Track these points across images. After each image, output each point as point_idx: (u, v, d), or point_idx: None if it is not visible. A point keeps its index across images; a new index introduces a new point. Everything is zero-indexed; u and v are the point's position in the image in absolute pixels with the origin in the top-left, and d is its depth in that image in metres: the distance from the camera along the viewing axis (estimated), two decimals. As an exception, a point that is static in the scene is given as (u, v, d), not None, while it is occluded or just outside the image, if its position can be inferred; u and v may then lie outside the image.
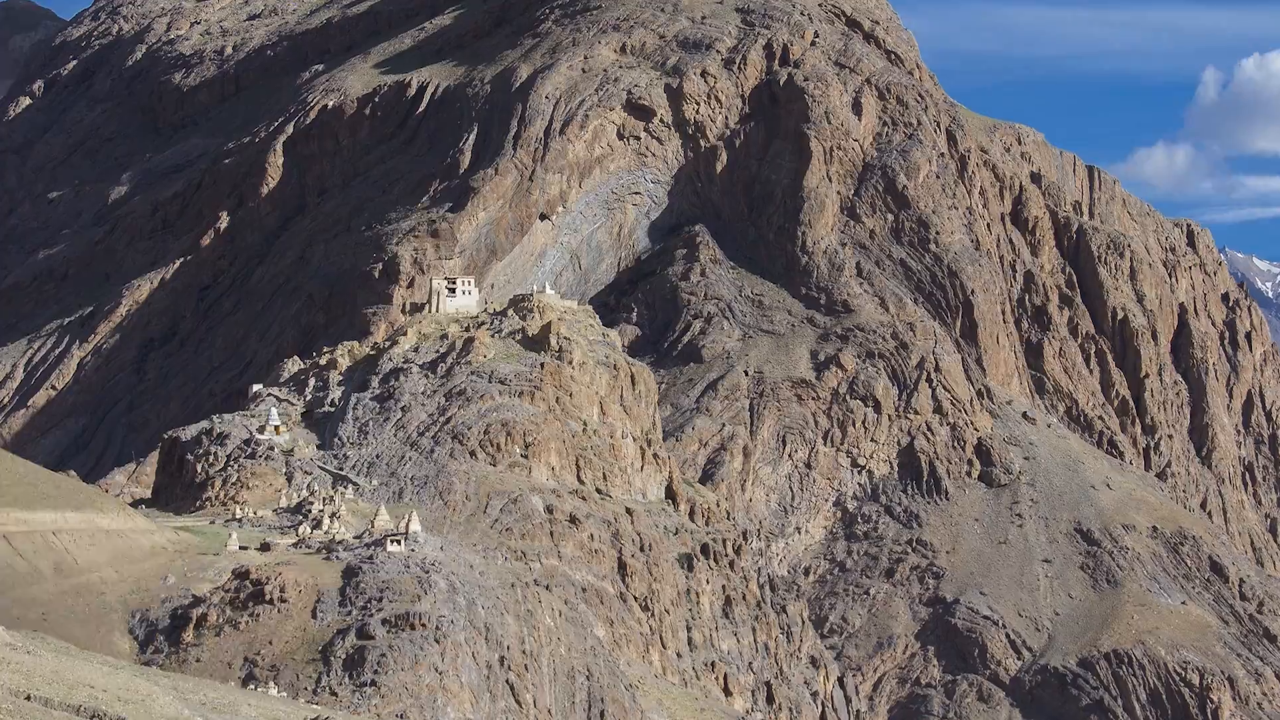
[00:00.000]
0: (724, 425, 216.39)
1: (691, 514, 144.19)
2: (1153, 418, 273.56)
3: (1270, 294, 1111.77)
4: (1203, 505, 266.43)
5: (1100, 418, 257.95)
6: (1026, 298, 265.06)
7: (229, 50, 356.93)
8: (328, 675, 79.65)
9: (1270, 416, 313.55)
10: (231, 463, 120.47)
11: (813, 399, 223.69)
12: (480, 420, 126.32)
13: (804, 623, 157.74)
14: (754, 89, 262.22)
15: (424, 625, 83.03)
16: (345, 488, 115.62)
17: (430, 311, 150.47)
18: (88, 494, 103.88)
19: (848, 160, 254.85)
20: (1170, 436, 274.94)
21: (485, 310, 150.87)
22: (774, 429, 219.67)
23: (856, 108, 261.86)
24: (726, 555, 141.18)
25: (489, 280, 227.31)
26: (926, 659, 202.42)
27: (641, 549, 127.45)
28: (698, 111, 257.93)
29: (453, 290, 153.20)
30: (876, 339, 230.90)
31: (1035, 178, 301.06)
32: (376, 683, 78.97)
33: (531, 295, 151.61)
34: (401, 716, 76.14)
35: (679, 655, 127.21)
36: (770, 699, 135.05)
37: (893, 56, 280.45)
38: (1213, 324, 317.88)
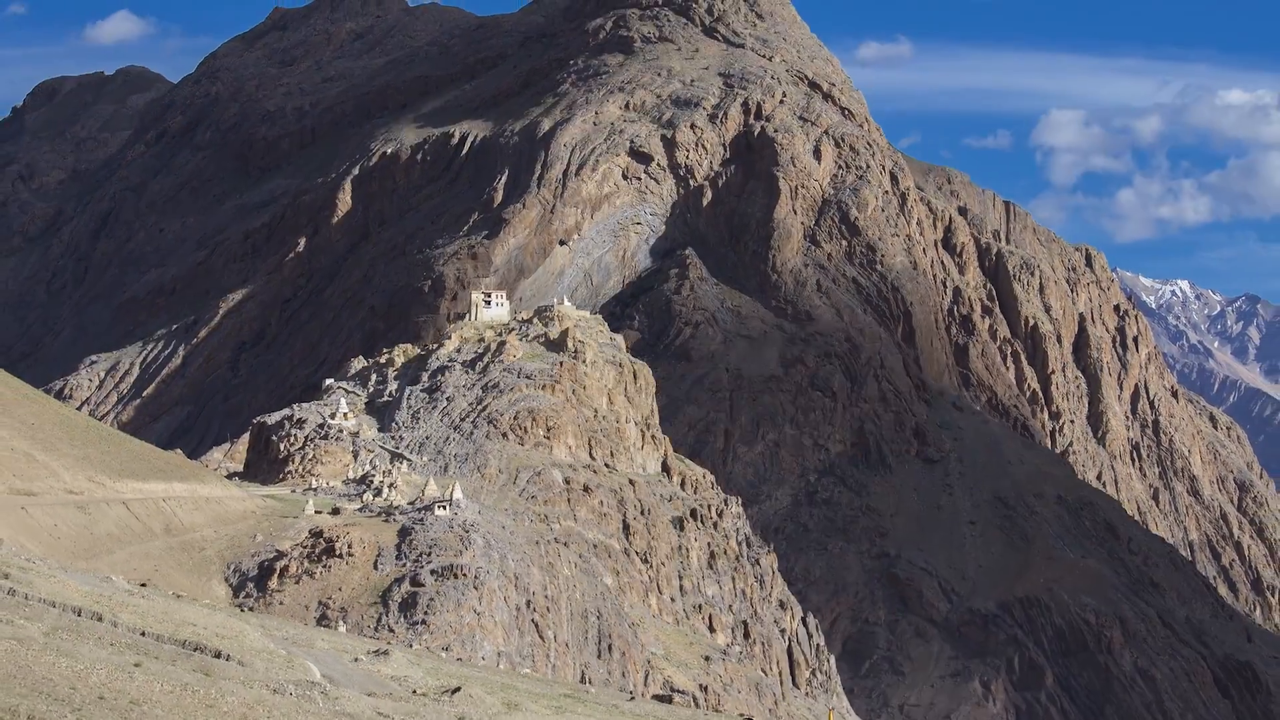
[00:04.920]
0: (709, 412, 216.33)
1: (683, 484, 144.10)
2: (1058, 406, 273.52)
3: (1153, 305, 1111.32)
4: (1098, 478, 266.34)
5: (1015, 406, 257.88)
6: (955, 308, 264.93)
7: (307, 107, 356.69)
8: (387, 616, 79.63)
9: (1153, 405, 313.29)
10: (308, 443, 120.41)
11: (781, 391, 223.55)
12: (511, 408, 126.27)
13: (774, 573, 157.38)
14: (733, 139, 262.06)
15: (465, 575, 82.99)
16: (401, 463, 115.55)
17: (470, 320, 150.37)
18: (191, 468, 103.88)
19: (809, 197, 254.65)
20: (1072, 422, 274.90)
21: (515, 319, 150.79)
22: (750, 415, 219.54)
23: (817, 154, 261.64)
24: (711, 518, 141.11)
25: (518, 294, 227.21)
26: (874, 602, 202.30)
27: (642, 513, 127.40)
28: (688, 157, 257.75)
29: (488, 303, 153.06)
30: (833, 342, 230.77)
31: (962, 211, 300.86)
32: (426, 621, 78.94)
33: (552, 306, 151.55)
34: (447, 649, 76.15)
35: (672, 599, 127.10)
36: (747, 635, 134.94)
37: (846, 112, 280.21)
38: (1106, 330, 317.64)
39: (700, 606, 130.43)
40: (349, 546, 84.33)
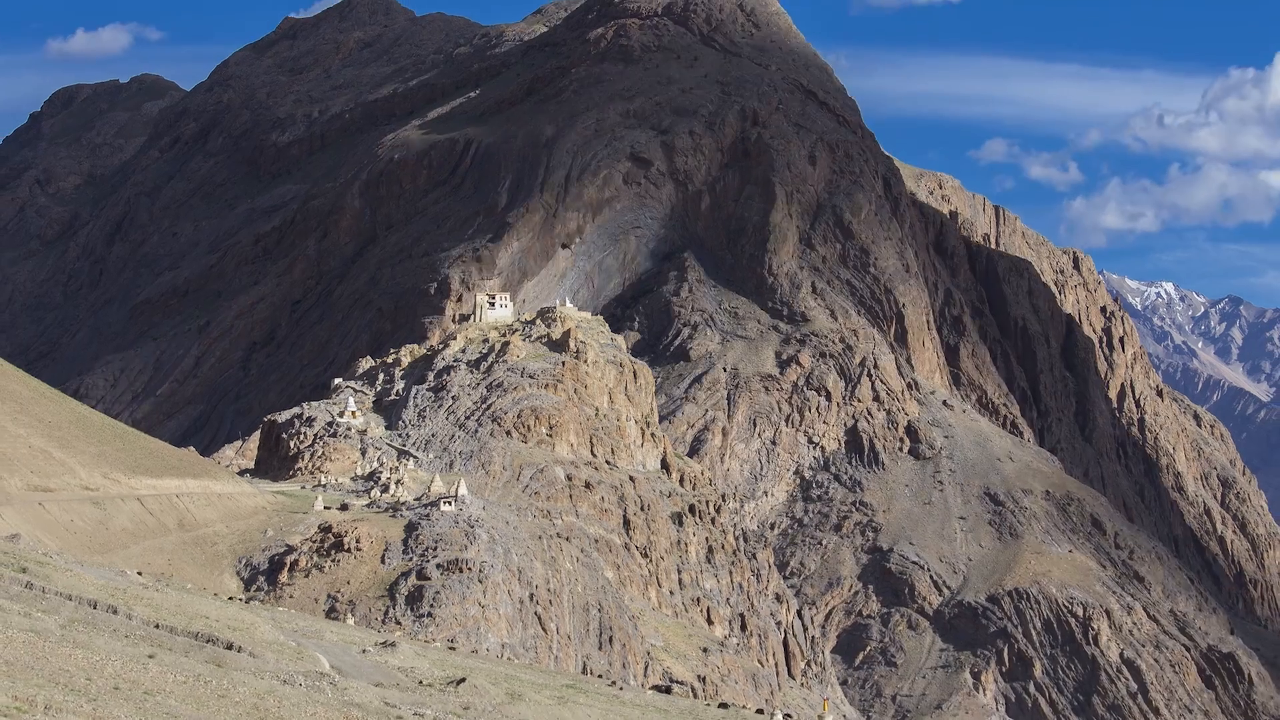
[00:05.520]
0: (707, 411, 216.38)
1: (681, 481, 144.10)
2: (1046, 404, 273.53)
3: (1139, 306, 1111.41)
4: (1085, 474, 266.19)
5: (1004, 404, 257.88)
6: (946, 310, 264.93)
7: (316, 114, 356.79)
8: (394, 608, 79.70)
9: (1139, 404, 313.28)
10: (317, 440, 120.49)
11: (777, 390, 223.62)
12: (514, 407, 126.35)
13: (770, 567, 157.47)
14: (731, 144, 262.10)
15: (470, 569, 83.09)
16: (407, 460, 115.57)
17: (475, 321, 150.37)
18: (204, 465, 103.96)
19: (805, 201, 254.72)
20: (1060, 420, 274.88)
21: (518, 320, 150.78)
22: (747, 414, 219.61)
23: (812, 160, 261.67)
24: (709, 513, 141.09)
25: (521, 296, 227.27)
26: (867, 595, 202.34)
27: (642, 508, 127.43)
28: (686, 162, 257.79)
29: (493, 304, 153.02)
30: (827, 342, 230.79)
31: (953, 215, 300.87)
32: (432, 614, 79.01)
33: (555, 308, 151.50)
34: (452, 640, 76.17)
35: (671, 592, 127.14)
36: (744, 627, 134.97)
37: (840, 119, 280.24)
38: (1093, 331, 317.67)
39: (698, 600, 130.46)
40: (357, 541, 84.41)
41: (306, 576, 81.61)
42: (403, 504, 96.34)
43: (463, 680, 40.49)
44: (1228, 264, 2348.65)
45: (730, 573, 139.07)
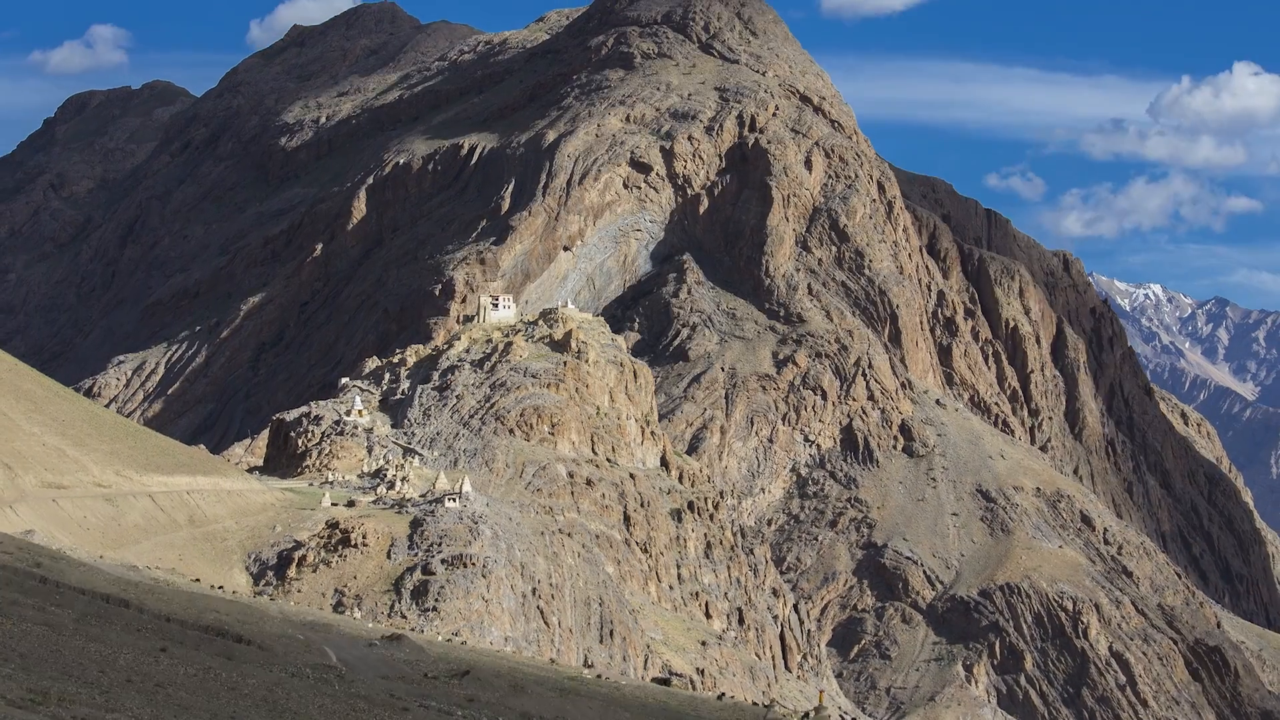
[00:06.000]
0: (705, 410, 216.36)
1: (680, 478, 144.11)
2: (1036, 404, 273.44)
3: (1128, 308, 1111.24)
4: (1075, 471, 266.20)
5: (996, 403, 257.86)
6: (939, 311, 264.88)
7: (323, 120, 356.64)
8: (399, 603, 79.68)
9: (1127, 403, 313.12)
10: (325, 438, 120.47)
11: (774, 389, 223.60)
12: (517, 405, 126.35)
13: (767, 562, 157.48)
14: (729, 149, 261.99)
15: (474, 564, 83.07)
16: (413, 458, 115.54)
17: (478, 322, 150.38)
18: (214, 462, 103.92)
19: (801, 205, 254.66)
20: (1050, 418, 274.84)
21: (521, 321, 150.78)
22: (744, 412, 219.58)
23: (808, 164, 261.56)
24: (707, 510, 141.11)
25: (524, 298, 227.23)
26: (862, 590, 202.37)
27: (642, 505, 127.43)
28: (685, 167, 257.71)
29: (496, 305, 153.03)
30: (823, 343, 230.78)
31: (946, 218, 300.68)
32: (437, 608, 78.99)
33: (557, 309, 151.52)
34: (456, 634, 76.19)
35: (671, 587, 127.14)
36: (741, 621, 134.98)
37: (836, 124, 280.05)
38: (1083, 331, 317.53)
39: (697, 594, 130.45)
40: (364, 537, 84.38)
41: (314, 571, 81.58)
42: (408, 500, 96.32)
43: (467, 673, 40.50)
44: (1190, 265, 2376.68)
45: (728, 568, 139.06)
